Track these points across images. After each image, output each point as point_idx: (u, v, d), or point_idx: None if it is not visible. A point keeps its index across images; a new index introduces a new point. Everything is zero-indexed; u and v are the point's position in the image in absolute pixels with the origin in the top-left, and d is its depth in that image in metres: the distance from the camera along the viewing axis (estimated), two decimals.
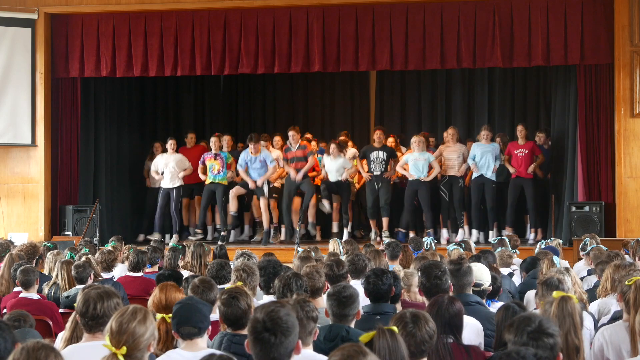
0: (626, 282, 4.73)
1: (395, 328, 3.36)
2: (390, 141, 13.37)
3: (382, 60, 12.56)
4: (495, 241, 9.62)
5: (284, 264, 6.38)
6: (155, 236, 13.05)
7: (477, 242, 12.31)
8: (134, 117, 14.86)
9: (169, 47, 12.86)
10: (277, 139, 13.63)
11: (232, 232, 13.74)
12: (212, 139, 13.10)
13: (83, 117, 13.42)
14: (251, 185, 12.74)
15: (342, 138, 13.68)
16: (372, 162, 12.80)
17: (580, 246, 8.98)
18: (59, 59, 13.16)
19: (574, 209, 12.05)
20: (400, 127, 15.72)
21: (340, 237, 12.24)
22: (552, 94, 14.02)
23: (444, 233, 12.95)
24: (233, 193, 12.91)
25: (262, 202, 12.87)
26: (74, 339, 4.48)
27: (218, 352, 3.55)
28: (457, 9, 12.37)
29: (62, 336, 4.64)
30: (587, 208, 12.00)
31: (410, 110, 15.89)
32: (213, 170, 12.95)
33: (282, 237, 13.29)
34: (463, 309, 4.30)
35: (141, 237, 13.81)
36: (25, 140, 13.06)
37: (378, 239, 12.60)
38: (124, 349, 3.45)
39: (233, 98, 16.55)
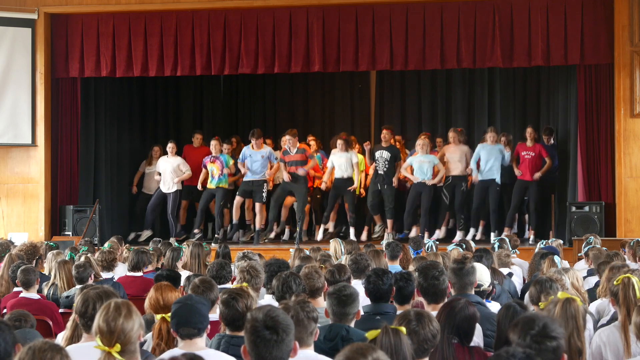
0: (614, 282, 4.73)
1: (402, 328, 3.37)
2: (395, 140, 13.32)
3: (382, 60, 12.55)
4: (496, 241, 9.62)
5: None
6: (146, 233, 13.08)
7: (476, 241, 12.35)
8: (134, 117, 14.86)
9: (169, 47, 12.86)
10: (284, 140, 13.51)
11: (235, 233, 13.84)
12: (213, 142, 13.11)
13: (83, 117, 13.41)
14: (243, 170, 12.78)
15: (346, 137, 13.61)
16: (377, 161, 12.85)
17: (584, 245, 8.97)
18: (59, 59, 13.16)
19: (574, 209, 12.04)
20: (400, 127, 15.68)
21: (341, 236, 12.32)
22: (552, 94, 14.02)
23: (437, 234, 12.92)
24: (236, 204, 12.90)
25: (257, 205, 12.89)
26: (74, 338, 4.48)
27: (181, 351, 3.61)
28: (457, 9, 12.36)
29: (62, 336, 4.65)
30: (587, 208, 11.99)
31: (410, 110, 15.86)
32: (213, 174, 12.99)
33: (272, 235, 13.35)
34: (477, 315, 4.29)
35: (132, 235, 13.73)
36: (25, 140, 13.05)
37: (378, 228, 12.76)
38: (117, 347, 3.45)
39: (233, 99, 16.54)
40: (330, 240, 9.35)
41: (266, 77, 15.32)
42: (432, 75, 15.40)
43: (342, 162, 12.84)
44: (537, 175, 12.61)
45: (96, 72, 13.05)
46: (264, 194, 12.84)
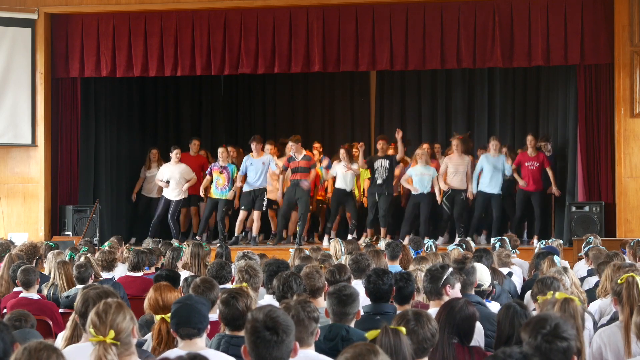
0: (618, 281, 4.72)
1: (402, 328, 3.37)
2: (391, 152, 13.26)
3: (382, 60, 12.56)
4: (496, 241, 9.61)
5: None
6: (147, 241, 13.01)
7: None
8: (134, 117, 14.86)
9: (169, 47, 12.86)
10: (288, 147, 13.40)
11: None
12: (220, 149, 13.03)
13: (83, 117, 13.41)
14: (239, 183, 12.76)
15: (349, 148, 13.54)
16: (376, 171, 12.79)
17: (584, 245, 8.97)
18: (59, 59, 13.16)
19: (574, 209, 12.04)
20: (400, 127, 15.65)
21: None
22: (552, 95, 14.02)
23: (440, 241, 12.90)
24: (240, 219, 12.88)
25: (256, 214, 12.89)
26: (74, 338, 4.49)
27: (181, 351, 3.64)
28: (457, 9, 12.37)
29: (62, 336, 4.65)
30: (587, 208, 11.99)
31: (410, 111, 15.86)
32: (217, 184, 12.91)
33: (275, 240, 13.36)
34: (477, 314, 4.30)
35: (133, 240, 13.64)
36: (25, 140, 13.05)
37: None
38: (111, 333, 3.51)
39: (233, 99, 16.53)
40: (331, 240, 9.35)
41: (266, 77, 15.31)
42: (432, 75, 15.40)
43: (341, 175, 12.81)
44: (555, 191, 12.59)
45: (96, 72, 13.05)
46: (264, 202, 12.81)
